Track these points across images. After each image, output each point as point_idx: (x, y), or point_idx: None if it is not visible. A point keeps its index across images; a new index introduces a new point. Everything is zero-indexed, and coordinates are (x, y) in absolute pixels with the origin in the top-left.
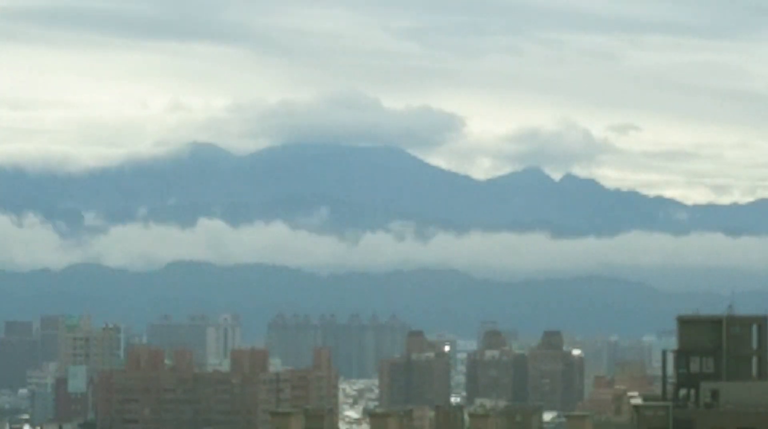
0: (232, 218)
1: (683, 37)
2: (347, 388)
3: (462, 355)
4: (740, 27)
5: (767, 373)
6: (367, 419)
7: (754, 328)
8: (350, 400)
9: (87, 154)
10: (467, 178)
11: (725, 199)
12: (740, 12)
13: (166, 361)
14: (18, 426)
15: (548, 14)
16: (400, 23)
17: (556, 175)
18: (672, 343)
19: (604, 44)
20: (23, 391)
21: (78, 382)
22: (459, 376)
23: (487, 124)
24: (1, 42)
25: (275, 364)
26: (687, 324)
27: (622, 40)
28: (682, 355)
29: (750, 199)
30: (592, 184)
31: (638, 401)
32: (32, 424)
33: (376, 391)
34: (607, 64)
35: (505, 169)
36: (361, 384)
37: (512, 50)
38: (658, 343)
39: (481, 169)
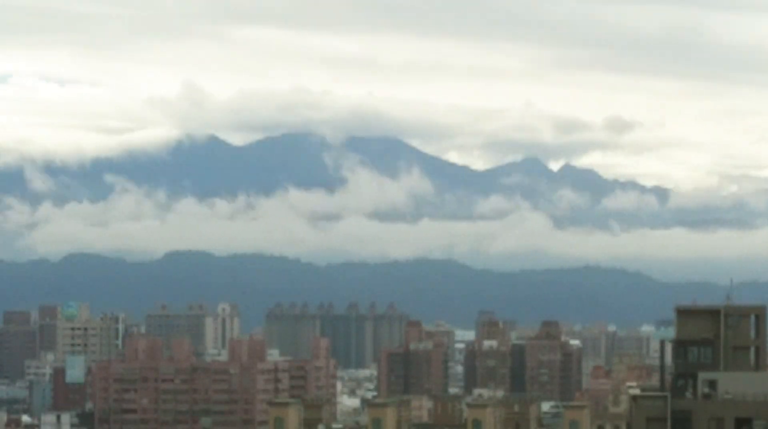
0: (229, 208)
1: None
2: (345, 377)
3: (460, 345)
4: None
5: (765, 364)
6: (366, 409)
7: (752, 318)
8: (348, 390)
9: (89, 142)
10: (466, 169)
11: (724, 190)
12: None
13: (165, 351)
14: (16, 416)
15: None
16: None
17: (555, 166)
18: (670, 333)
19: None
20: (21, 381)
21: (76, 372)
22: (457, 366)
23: (485, 118)
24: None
25: (273, 354)
26: (685, 314)
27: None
28: (680, 345)
29: (748, 189)
30: (590, 175)
31: (636, 391)
32: (30, 414)
33: (375, 381)
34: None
35: (504, 160)
36: (359, 374)
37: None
38: (657, 334)
39: (481, 160)
